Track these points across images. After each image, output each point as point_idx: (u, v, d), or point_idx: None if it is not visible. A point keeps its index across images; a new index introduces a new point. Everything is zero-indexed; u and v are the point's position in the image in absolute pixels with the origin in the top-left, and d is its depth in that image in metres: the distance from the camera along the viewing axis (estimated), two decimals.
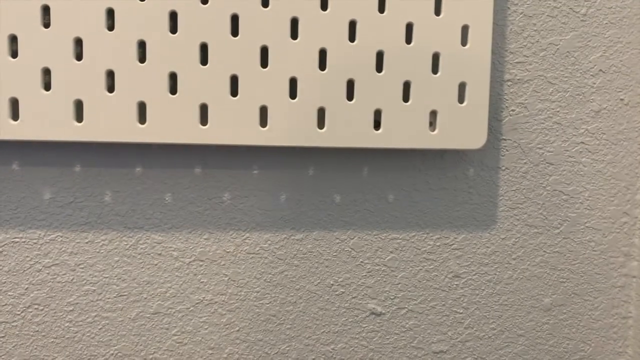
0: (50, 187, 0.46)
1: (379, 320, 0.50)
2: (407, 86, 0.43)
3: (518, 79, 0.48)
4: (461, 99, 0.44)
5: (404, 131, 0.43)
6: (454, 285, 0.50)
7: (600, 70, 0.49)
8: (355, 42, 0.42)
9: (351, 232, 0.49)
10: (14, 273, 0.47)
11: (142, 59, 0.41)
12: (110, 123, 0.41)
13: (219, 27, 0.41)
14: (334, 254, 0.49)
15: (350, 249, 0.49)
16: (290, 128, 0.42)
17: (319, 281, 0.49)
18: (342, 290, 0.50)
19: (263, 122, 0.42)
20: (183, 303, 0.48)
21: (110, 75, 0.41)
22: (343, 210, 0.48)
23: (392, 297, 0.50)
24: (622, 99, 0.50)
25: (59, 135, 0.41)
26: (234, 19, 0.41)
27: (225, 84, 0.41)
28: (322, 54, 0.42)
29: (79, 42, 0.40)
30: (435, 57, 0.43)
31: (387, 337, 0.51)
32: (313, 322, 0.50)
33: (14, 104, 0.41)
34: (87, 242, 0.47)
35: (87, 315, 0.48)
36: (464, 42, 0.43)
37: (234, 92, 0.42)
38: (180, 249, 0.48)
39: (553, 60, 0.48)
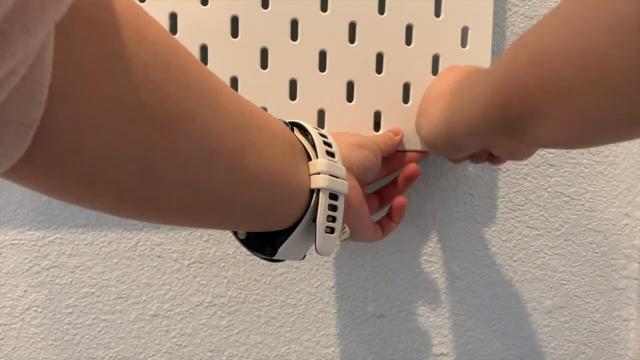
0: None
1: (380, 323, 0.50)
2: (407, 88, 0.43)
3: None
4: None
5: (404, 133, 0.43)
6: (455, 288, 0.50)
7: None
8: (355, 43, 0.42)
9: None
10: (13, 275, 0.46)
11: None
12: None
13: (219, 29, 0.41)
14: (334, 256, 0.49)
15: (350, 251, 0.49)
16: None
17: (319, 283, 0.49)
18: (342, 292, 0.49)
19: None
20: (182, 305, 0.48)
21: None
22: None
23: (392, 300, 0.50)
24: None
25: None
26: (234, 21, 0.41)
27: None
28: (322, 55, 0.42)
29: None
30: (435, 59, 0.43)
31: (388, 339, 0.50)
32: (313, 325, 0.50)
33: None
34: (86, 244, 0.47)
35: (86, 317, 0.48)
36: (463, 43, 0.43)
37: None
38: (179, 250, 0.47)
39: None
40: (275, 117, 0.31)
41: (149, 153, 0.21)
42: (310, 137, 0.31)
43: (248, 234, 0.32)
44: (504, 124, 0.27)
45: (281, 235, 0.30)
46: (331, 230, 0.31)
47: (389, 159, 0.42)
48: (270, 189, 0.27)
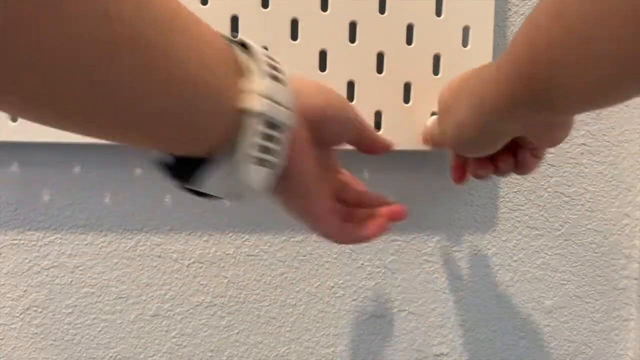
0: (49, 188, 0.46)
1: (380, 323, 0.50)
2: (407, 87, 0.43)
3: None
4: None
5: (405, 133, 0.43)
6: (455, 288, 0.50)
7: None
8: (356, 43, 0.42)
9: None
10: (13, 275, 0.46)
11: None
12: None
13: (219, 29, 0.40)
14: (334, 256, 0.49)
15: (350, 251, 0.49)
16: None
17: (319, 283, 0.49)
18: (342, 292, 0.49)
19: None
20: (182, 305, 0.48)
21: None
22: None
23: (392, 300, 0.50)
24: None
25: (59, 136, 0.41)
26: (234, 21, 0.41)
27: None
28: (322, 55, 0.42)
29: None
30: (436, 58, 0.43)
31: (388, 339, 0.50)
32: (313, 325, 0.50)
33: None
34: (86, 244, 0.46)
35: (86, 317, 0.48)
36: (464, 43, 0.43)
37: None
38: (179, 250, 0.47)
39: None
40: (214, 30, 0.27)
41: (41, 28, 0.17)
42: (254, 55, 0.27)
43: (177, 162, 0.27)
44: (531, 94, 0.27)
45: (207, 163, 0.26)
46: (263, 164, 0.26)
47: (361, 141, 0.36)
48: (188, 98, 0.23)
